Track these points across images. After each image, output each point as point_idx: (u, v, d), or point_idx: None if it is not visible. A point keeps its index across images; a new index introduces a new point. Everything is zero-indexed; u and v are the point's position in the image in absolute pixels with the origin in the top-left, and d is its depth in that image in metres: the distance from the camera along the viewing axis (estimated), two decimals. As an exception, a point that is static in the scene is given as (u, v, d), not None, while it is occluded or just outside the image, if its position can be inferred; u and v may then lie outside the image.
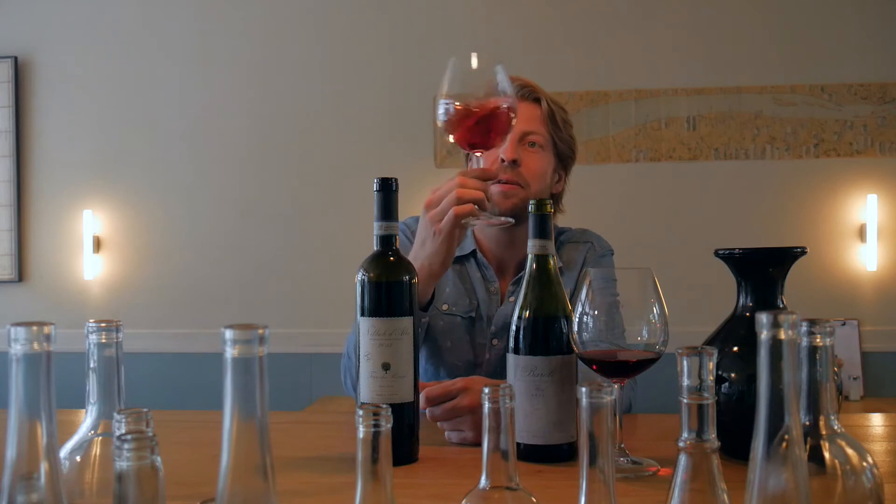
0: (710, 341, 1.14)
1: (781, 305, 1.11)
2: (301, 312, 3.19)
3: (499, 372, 1.60)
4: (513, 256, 1.67)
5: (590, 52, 3.13)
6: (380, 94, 3.19)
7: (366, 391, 1.12)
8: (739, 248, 1.11)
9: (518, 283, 1.63)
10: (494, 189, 1.57)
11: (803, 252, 1.09)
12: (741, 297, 1.14)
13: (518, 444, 1.09)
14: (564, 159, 1.68)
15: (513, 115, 1.23)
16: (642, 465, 1.07)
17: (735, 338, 1.11)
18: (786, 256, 1.10)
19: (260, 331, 0.54)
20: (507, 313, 1.59)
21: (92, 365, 0.73)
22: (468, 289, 1.65)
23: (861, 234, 3.02)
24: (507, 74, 1.23)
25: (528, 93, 1.60)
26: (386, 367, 1.11)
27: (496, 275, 1.67)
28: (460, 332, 1.61)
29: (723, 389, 1.08)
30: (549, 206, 1.14)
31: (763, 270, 1.11)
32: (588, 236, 1.72)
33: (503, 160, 1.55)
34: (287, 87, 3.24)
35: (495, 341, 1.62)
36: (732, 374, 1.09)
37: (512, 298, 1.63)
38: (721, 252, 1.12)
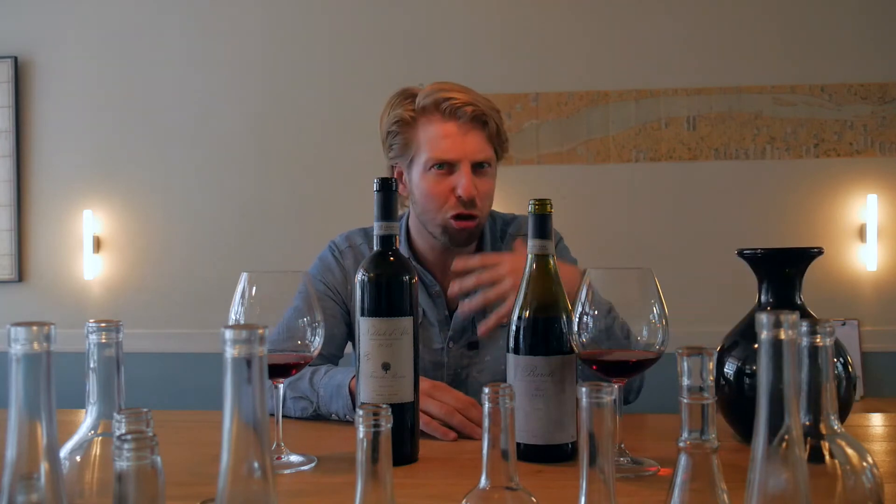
0: (730, 335, 1.21)
1: (799, 302, 1.18)
2: (301, 312, 3.17)
3: (460, 375, 1.58)
4: (454, 256, 1.60)
5: (590, 52, 3.12)
6: (380, 93, 3.16)
7: (366, 391, 1.12)
8: (761, 249, 1.17)
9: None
10: (452, 224, 1.53)
11: (820, 252, 1.17)
12: (762, 294, 1.20)
13: (518, 444, 1.09)
14: (500, 155, 1.63)
15: None
16: (642, 465, 1.07)
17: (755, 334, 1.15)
18: (804, 256, 1.18)
19: (260, 331, 0.54)
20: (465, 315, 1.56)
21: (92, 365, 0.73)
22: None
23: (861, 234, 3.01)
24: None
25: (477, 117, 1.53)
26: (386, 367, 1.11)
27: (436, 279, 1.61)
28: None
29: (746, 381, 1.16)
30: (549, 206, 1.14)
31: (782, 269, 1.18)
32: None
33: (461, 197, 1.51)
34: (287, 86, 3.23)
35: (451, 344, 1.59)
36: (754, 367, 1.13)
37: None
38: (745, 252, 1.19)
